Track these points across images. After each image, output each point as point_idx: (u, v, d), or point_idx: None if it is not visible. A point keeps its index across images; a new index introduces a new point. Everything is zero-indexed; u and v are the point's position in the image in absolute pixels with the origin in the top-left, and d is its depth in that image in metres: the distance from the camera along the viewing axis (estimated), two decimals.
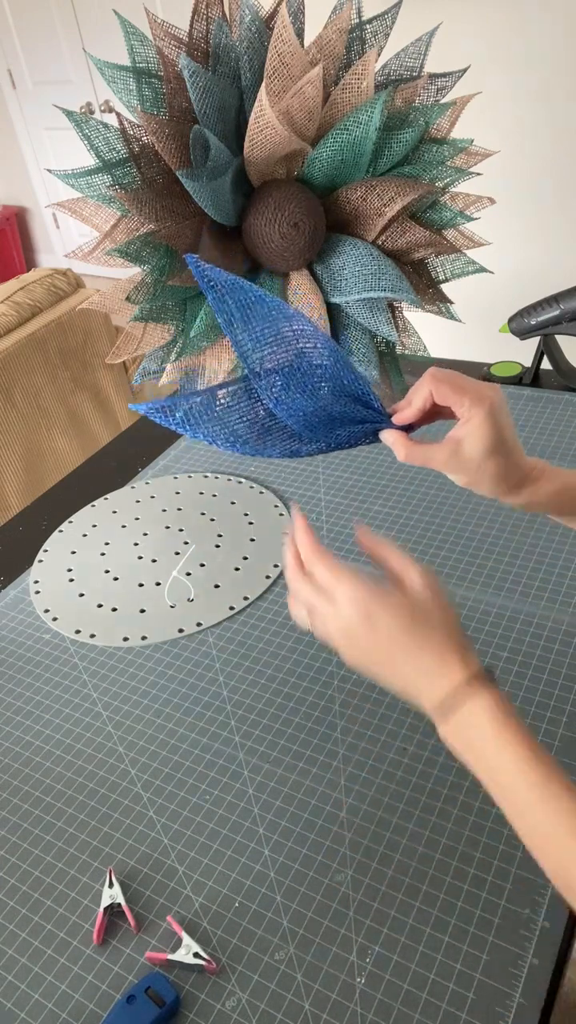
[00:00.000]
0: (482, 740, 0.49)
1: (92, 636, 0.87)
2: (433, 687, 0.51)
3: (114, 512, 1.07)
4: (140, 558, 0.98)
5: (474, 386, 0.59)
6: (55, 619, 0.90)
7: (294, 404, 0.59)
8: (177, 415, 0.59)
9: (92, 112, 3.85)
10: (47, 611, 0.92)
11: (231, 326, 0.58)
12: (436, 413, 0.61)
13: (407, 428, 0.63)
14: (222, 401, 0.60)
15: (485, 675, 0.51)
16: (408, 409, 0.61)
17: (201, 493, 1.08)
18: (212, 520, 1.02)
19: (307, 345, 0.59)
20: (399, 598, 0.53)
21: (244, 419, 0.61)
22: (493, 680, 0.51)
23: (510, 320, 1.20)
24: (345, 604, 0.53)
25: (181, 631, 0.86)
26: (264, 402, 0.60)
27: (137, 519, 1.05)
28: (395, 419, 0.62)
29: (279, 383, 0.59)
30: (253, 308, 0.59)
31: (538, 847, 0.48)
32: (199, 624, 0.87)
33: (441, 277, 1.07)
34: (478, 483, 0.61)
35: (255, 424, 0.61)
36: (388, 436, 0.62)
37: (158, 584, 0.93)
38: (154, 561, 0.97)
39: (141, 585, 0.93)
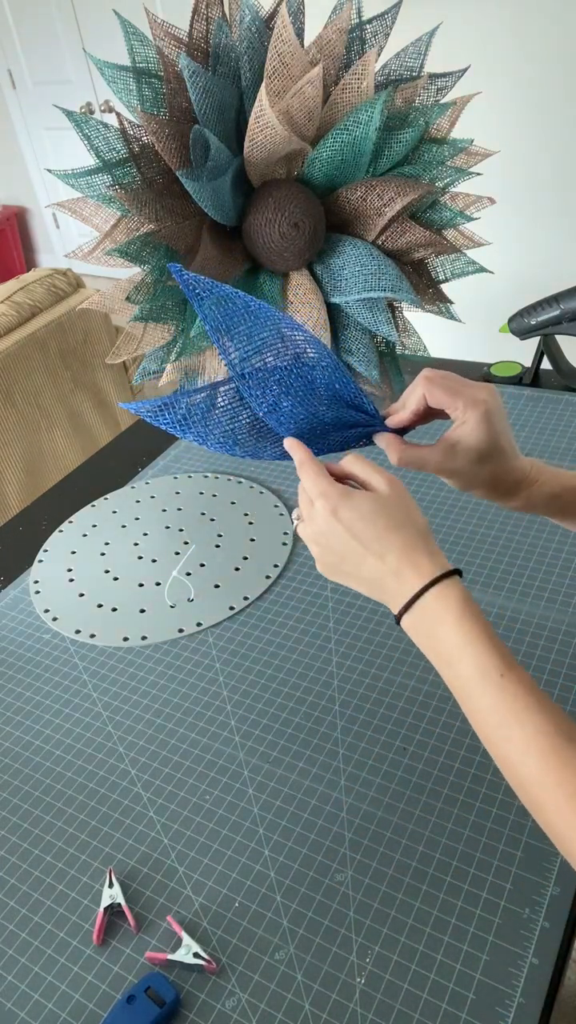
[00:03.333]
0: (445, 630, 0.50)
1: (92, 636, 0.87)
2: (402, 583, 0.52)
3: (114, 512, 1.07)
4: (140, 558, 0.98)
5: (468, 389, 0.58)
6: (55, 619, 0.90)
7: (286, 411, 0.59)
8: (168, 416, 0.59)
9: (92, 112, 3.85)
10: (47, 611, 0.92)
11: (218, 334, 0.58)
12: (431, 414, 0.61)
13: (401, 431, 0.62)
14: (217, 402, 0.60)
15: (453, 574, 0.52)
16: (402, 412, 0.61)
17: (201, 493, 1.08)
18: (212, 520, 1.02)
19: (297, 351, 0.59)
20: (365, 496, 0.54)
21: (236, 420, 0.60)
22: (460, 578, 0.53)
23: (510, 320, 1.20)
24: (317, 503, 0.54)
25: (181, 631, 0.86)
26: (255, 410, 0.59)
27: (137, 519, 1.05)
28: (389, 422, 0.62)
29: (270, 390, 0.58)
30: (240, 315, 0.58)
31: (489, 737, 0.49)
32: (199, 624, 0.87)
33: (441, 277, 1.07)
34: (473, 487, 0.61)
35: (247, 426, 0.61)
36: (382, 439, 0.61)
37: (158, 584, 0.93)
38: (154, 561, 0.97)
39: (141, 585, 0.93)
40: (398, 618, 0.53)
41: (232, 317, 0.58)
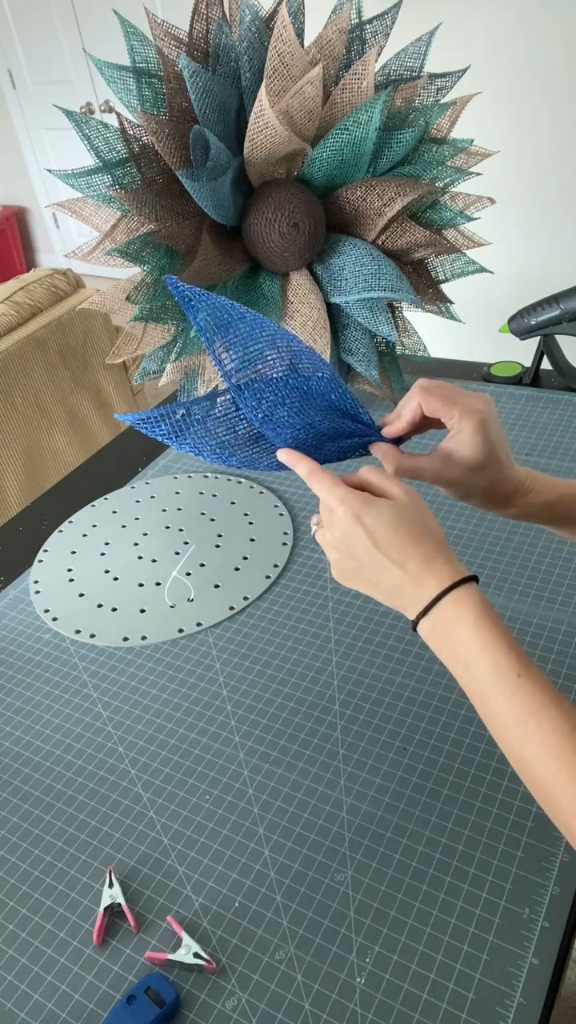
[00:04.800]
0: (462, 633, 0.51)
1: (92, 636, 0.87)
2: (420, 589, 0.52)
3: (114, 512, 1.07)
4: (140, 558, 0.98)
5: (464, 398, 0.58)
6: (55, 619, 0.90)
7: (282, 420, 0.58)
8: (164, 426, 0.59)
9: (92, 112, 3.85)
10: (47, 611, 0.92)
11: (212, 345, 0.57)
12: (426, 424, 0.61)
13: (397, 440, 0.62)
14: (213, 412, 0.59)
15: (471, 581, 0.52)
16: (397, 422, 0.61)
17: (201, 493, 1.08)
18: (212, 520, 1.02)
19: (293, 361, 0.58)
20: (387, 503, 0.54)
21: (232, 431, 0.60)
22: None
23: (510, 320, 1.20)
24: (338, 510, 0.54)
25: (181, 631, 0.86)
26: (250, 420, 0.59)
27: (137, 519, 1.05)
28: (384, 432, 0.62)
29: (265, 400, 0.58)
30: (235, 325, 0.58)
31: (505, 738, 0.49)
32: (199, 624, 0.87)
33: (441, 277, 1.07)
34: (470, 496, 0.61)
35: (244, 436, 0.60)
36: (378, 449, 0.61)
37: (158, 584, 0.93)
38: (154, 561, 0.97)
39: (141, 585, 0.93)
40: (415, 624, 0.53)
41: (227, 327, 0.57)
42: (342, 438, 0.61)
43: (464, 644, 0.51)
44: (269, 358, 0.58)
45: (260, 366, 0.58)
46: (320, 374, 0.59)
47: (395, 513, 0.54)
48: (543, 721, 0.47)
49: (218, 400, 0.59)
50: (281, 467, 0.61)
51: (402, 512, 0.54)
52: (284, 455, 0.59)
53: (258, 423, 0.58)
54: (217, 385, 1.07)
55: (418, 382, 0.60)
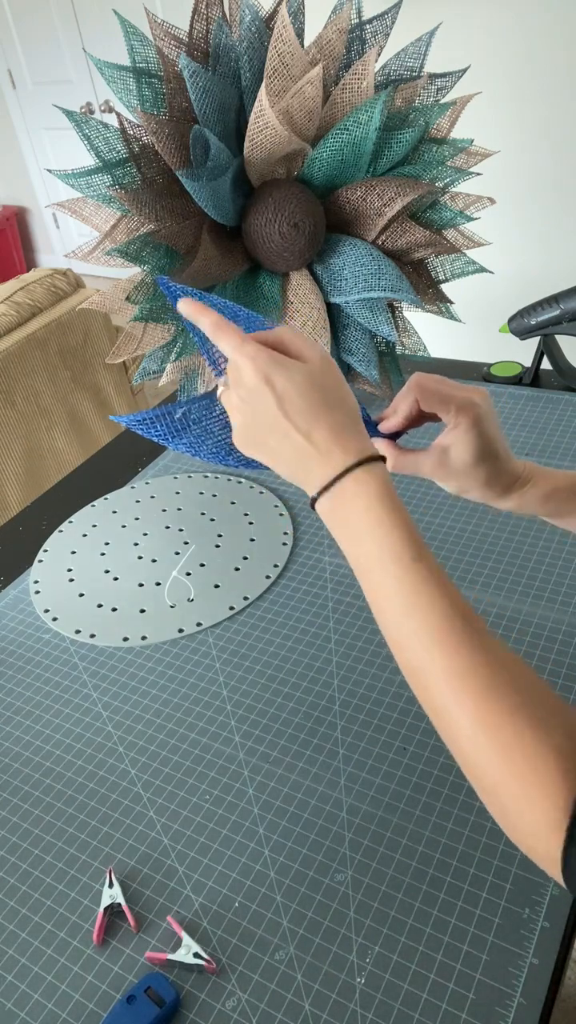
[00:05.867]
0: (358, 511, 0.48)
1: (92, 636, 0.87)
2: (324, 464, 0.49)
3: (114, 512, 1.07)
4: (140, 558, 0.98)
5: (460, 392, 0.58)
6: (55, 619, 0.90)
7: None
8: (160, 427, 0.59)
9: (92, 112, 3.85)
10: (47, 611, 0.92)
11: (205, 344, 0.56)
12: (423, 418, 0.61)
13: (394, 435, 0.62)
14: (213, 411, 0.59)
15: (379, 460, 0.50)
16: (394, 417, 0.61)
17: (201, 493, 1.08)
18: (212, 520, 1.02)
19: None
20: (299, 366, 0.50)
21: (228, 428, 0.59)
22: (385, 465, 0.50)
23: (510, 320, 1.20)
24: (246, 368, 0.50)
25: (181, 631, 0.86)
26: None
27: (137, 519, 1.05)
28: (381, 427, 0.62)
29: None
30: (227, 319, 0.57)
31: (389, 622, 0.47)
32: (199, 624, 0.87)
33: (441, 277, 1.07)
34: (468, 489, 0.61)
35: None
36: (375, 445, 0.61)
37: (158, 584, 0.93)
38: (154, 561, 0.97)
39: (141, 585, 0.93)
40: (313, 501, 0.50)
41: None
42: None
43: (358, 523, 0.48)
44: None
45: None
46: None
47: (307, 377, 0.49)
48: (434, 608, 0.45)
49: (213, 397, 0.59)
50: None
51: (314, 377, 0.49)
52: (184, 305, 0.52)
53: None
54: (217, 385, 1.07)
55: (413, 376, 0.59)
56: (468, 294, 1.40)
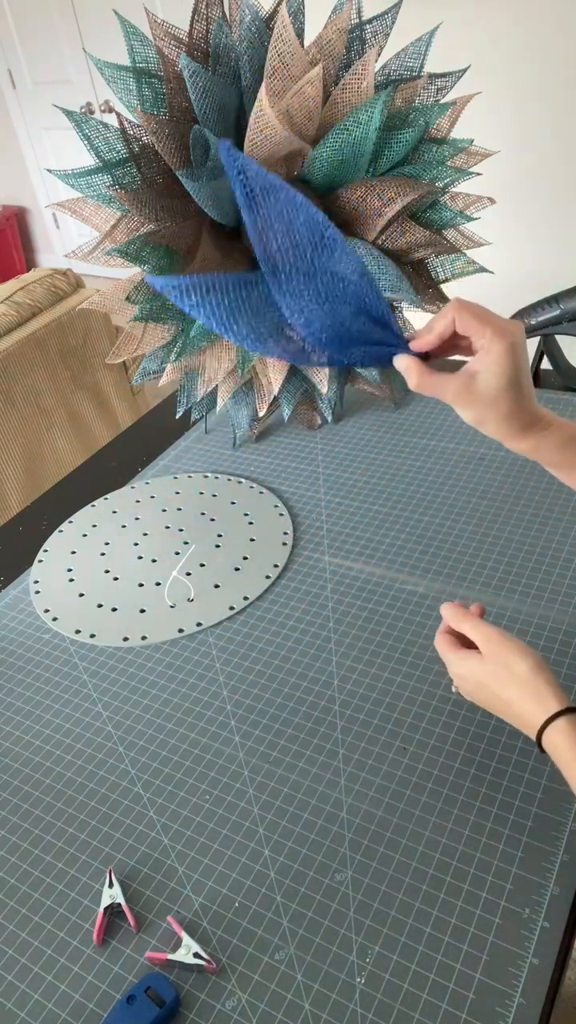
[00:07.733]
0: (565, 756, 0.57)
1: (92, 636, 0.87)
2: (534, 721, 0.60)
3: (114, 512, 1.07)
4: (140, 558, 0.98)
5: (497, 319, 0.58)
6: (55, 619, 0.90)
7: (312, 315, 0.57)
8: (193, 297, 0.56)
9: (92, 112, 3.84)
10: (47, 611, 0.92)
11: (253, 213, 0.55)
12: (453, 346, 0.61)
13: (423, 357, 0.62)
14: (252, 294, 0.57)
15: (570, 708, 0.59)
16: (428, 335, 0.60)
17: (201, 493, 1.08)
18: (212, 520, 1.02)
19: (333, 256, 0.57)
20: (472, 663, 0.63)
21: (261, 316, 0.57)
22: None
23: None
24: (464, 673, 0.65)
25: (181, 631, 0.86)
26: (280, 308, 0.57)
27: (137, 519, 1.05)
28: (412, 344, 0.61)
29: (299, 290, 0.56)
30: (282, 209, 0.55)
31: None
32: (199, 624, 0.87)
33: (441, 277, 1.07)
34: (487, 420, 0.60)
35: (270, 325, 0.58)
36: (402, 361, 0.61)
37: (158, 584, 0.93)
38: (154, 561, 0.97)
39: (141, 585, 0.93)
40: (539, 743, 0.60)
41: (274, 209, 0.55)
42: (369, 343, 0.60)
43: (568, 767, 0.57)
44: (309, 245, 0.56)
45: (299, 250, 0.56)
46: (358, 274, 0.58)
47: (480, 674, 0.63)
48: None
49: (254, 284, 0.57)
50: (294, 357, 0.60)
51: (482, 671, 0.63)
52: (444, 609, 0.68)
53: (288, 313, 0.57)
54: (224, 377, 1.07)
55: (454, 299, 0.59)
56: (468, 294, 1.40)
